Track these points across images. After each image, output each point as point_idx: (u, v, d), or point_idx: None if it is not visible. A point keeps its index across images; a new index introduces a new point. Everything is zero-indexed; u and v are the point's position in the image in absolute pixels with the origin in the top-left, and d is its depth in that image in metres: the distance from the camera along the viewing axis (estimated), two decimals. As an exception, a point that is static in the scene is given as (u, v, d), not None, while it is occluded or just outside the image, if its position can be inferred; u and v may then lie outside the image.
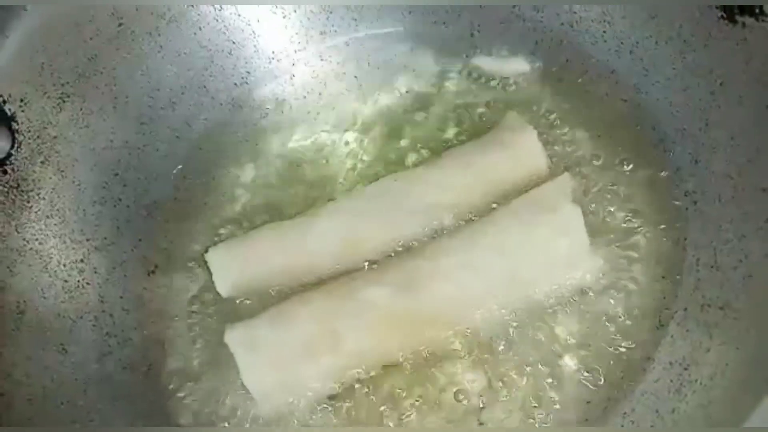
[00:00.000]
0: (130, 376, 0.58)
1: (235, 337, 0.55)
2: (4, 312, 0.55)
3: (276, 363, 0.55)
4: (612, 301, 0.53)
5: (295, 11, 0.69)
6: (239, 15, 0.68)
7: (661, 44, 0.57)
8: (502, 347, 0.54)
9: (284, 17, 0.69)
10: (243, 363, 0.55)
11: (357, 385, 0.55)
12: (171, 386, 0.58)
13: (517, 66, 0.65)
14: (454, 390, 0.54)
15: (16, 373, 0.52)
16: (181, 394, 0.57)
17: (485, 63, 0.67)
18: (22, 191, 0.58)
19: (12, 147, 0.58)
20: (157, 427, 0.55)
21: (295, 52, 0.70)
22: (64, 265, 0.60)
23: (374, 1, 0.69)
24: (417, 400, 0.54)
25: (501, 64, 0.66)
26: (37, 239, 0.59)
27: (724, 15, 0.50)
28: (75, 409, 0.54)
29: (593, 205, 0.57)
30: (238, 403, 0.56)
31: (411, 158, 0.64)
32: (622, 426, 0.47)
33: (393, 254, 0.57)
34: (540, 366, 0.53)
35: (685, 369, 0.47)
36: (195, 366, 0.58)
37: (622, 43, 0.60)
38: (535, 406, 0.51)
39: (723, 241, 0.50)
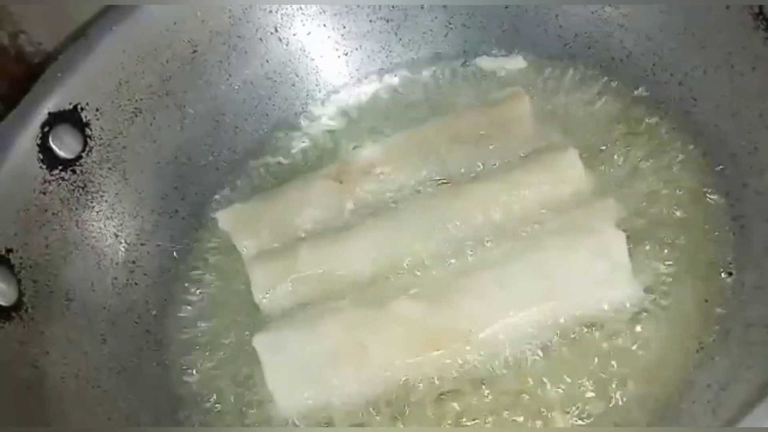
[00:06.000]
0: (163, 373, 0.59)
1: (262, 341, 0.56)
2: (53, 297, 0.57)
3: (300, 369, 0.55)
4: (651, 323, 0.50)
5: (357, 49, 0.73)
6: (303, 50, 0.73)
7: (710, 73, 0.56)
8: (535, 365, 0.52)
9: (346, 54, 0.73)
10: (268, 366, 0.55)
11: (379, 401, 0.53)
12: (200, 385, 0.58)
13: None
14: (488, 416, 0.51)
15: (53, 352, 0.55)
16: (209, 398, 0.58)
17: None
18: (87, 192, 0.63)
19: (83, 150, 0.62)
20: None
21: (354, 85, 0.73)
22: (117, 264, 0.63)
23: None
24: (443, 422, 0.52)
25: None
26: (94, 237, 0.62)
27: (770, 36, 0.50)
28: (104, 394, 0.55)
29: (638, 224, 0.55)
30: (261, 404, 0.56)
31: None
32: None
33: (426, 268, 0.57)
34: (577, 384, 0.50)
35: (723, 389, 0.43)
36: (227, 369, 0.59)
37: (671, 75, 0.59)
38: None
39: (768, 262, 0.47)
